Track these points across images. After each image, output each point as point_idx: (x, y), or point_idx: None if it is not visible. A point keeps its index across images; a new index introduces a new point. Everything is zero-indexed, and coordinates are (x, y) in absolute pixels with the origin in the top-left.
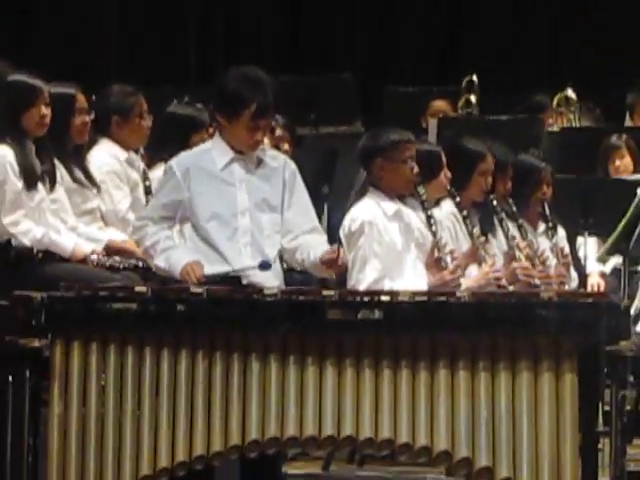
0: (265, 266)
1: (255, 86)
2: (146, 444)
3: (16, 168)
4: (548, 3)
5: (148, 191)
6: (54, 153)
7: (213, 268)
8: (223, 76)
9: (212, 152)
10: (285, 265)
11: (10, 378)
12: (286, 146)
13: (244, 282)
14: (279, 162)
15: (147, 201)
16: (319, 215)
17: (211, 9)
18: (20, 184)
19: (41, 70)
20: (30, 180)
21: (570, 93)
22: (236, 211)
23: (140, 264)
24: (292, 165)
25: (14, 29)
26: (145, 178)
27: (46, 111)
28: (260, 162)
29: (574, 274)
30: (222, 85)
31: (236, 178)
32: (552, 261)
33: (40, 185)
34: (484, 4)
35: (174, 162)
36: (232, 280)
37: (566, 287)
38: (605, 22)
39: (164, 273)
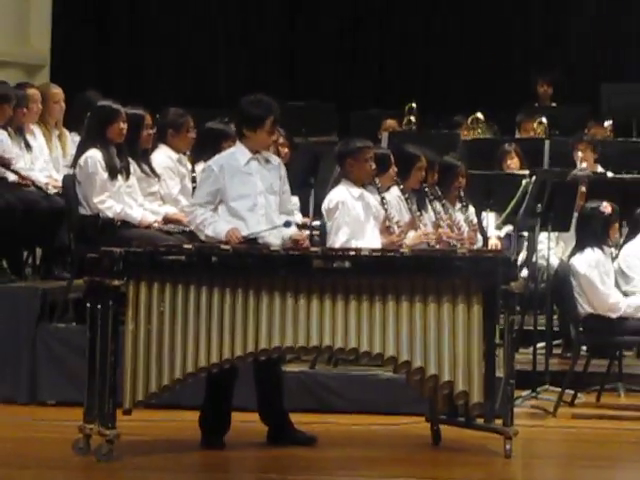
0: (288, 224)
1: (270, 106)
2: (190, 350)
3: (103, 164)
4: (464, 56)
5: (194, 180)
6: (129, 154)
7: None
8: (246, 102)
9: (236, 154)
10: None
11: (99, 306)
12: (286, 150)
13: (260, 242)
14: (277, 162)
15: (193, 188)
16: (307, 197)
17: (237, 58)
18: (105, 175)
19: (121, 96)
20: (112, 172)
21: (479, 115)
22: (256, 192)
23: (186, 229)
24: (283, 165)
25: (106, 70)
26: (193, 171)
27: (123, 126)
28: (267, 160)
29: (480, 237)
30: (247, 108)
31: (254, 170)
32: (465, 229)
33: (119, 176)
34: (422, 57)
35: (212, 162)
36: (252, 240)
37: (474, 246)
38: (501, 67)
39: (212, 240)
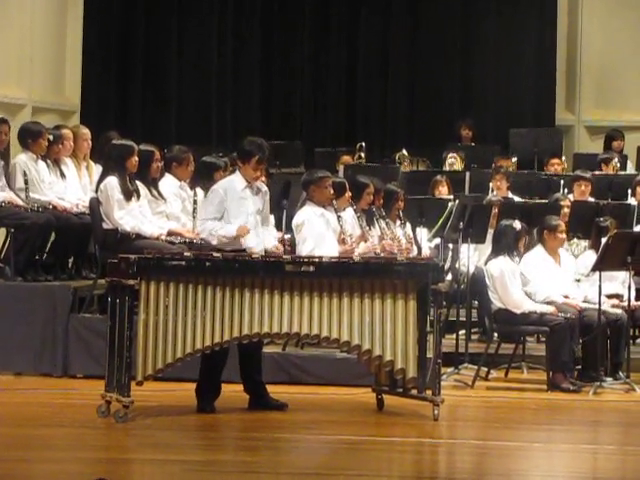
0: None
1: (259, 147)
2: (189, 335)
3: (119, 188)
4: (405, 108)
5: (195, 202)
6: (141, 182)
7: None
8: (246, 139)
9: (234, 181)
10: None
11: (117, 300)
12: (264, 178)
13: (246, 250)
14: (264, 189)
15: (194, 209)
16: (281, 215)
17: (226, 107)
18: (122, 196)
19: (135, 136)
20: (127, 195)
21: (404, 152)
22: (248, 213)
23: (186, 240)
24: (267, 191)
25: (124, 115)
26: (195, 195)
27: (137, 158)
28: (258, 188)
29: (415, 248)
30: (244, 144)
31: (248, 195)
32: (403, 241)
33: (133, 198)
34: (373, 107)
35: (217, 187)
36: (241, 251)
37: (410, 255)
38: (432, 115)
39: (226, 240)
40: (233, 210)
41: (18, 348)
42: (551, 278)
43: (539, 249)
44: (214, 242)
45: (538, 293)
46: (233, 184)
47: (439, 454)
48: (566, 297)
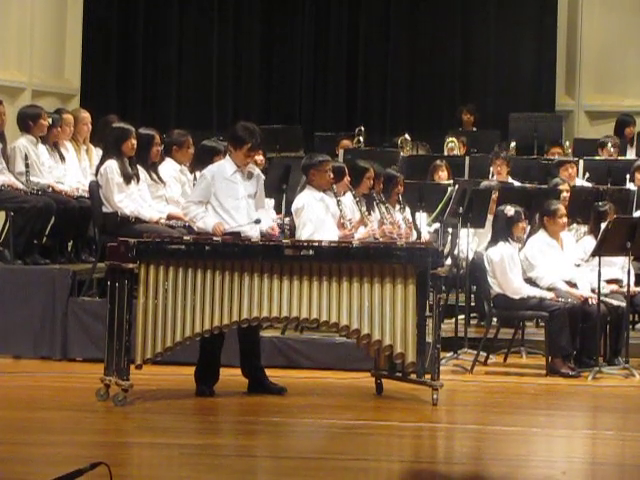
0: (258, 221)
1: (252, 134)
2: (188, 319)
3: (119, 172)
4: (408, 93)
5: (194, 186)
6: (141, 165)
7: (227, 227)
8: (238, 125)
9: (225, 166)
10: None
11: (117, 284)
12: (261, 157)
13: (242, 235)
14: (257, 172)
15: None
16: (280, 199)
17: (226, 92)
18: (121, 180)
19: (136, 120)
20: (126, 178)
21: (407, 136)
22: (239, 197)
23: (186, 225)
24: (261, 175)
25: (124, 99)
26: (194, 179)
27: (134, 142)
28: (249, 172)
29: (414, 233)
30: (236, 129)
31: (238, 180)
32: (403, 226)
33: (132, 181)
34: (370, 91)
35: (206, 171)
36: (236, 233)
37: (410, 240)
38: (434, 100)
39: (202, 230)
40: (222, 195)
41: (17, 331)
42: (555, 263)
43: (542, 233)
44: (194, 226)
45: (544, 279)
46: (222, 168)
47: (438, 439)
48: (569, 283)
